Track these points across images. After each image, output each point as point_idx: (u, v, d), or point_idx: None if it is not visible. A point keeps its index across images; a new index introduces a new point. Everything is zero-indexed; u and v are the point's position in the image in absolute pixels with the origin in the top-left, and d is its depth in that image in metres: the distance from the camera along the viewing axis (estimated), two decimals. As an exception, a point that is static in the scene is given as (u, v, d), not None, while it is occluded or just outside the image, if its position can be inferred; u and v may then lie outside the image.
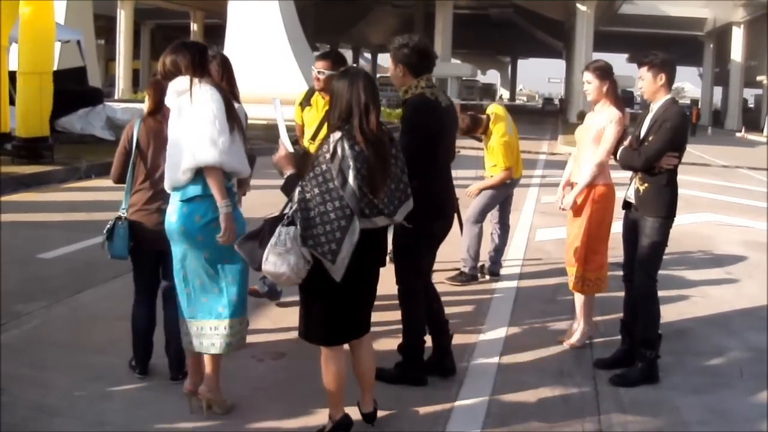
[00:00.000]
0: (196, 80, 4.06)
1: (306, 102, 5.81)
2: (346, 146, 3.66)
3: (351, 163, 3.64)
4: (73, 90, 16.67)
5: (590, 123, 5.53)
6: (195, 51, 4.20)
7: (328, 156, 3.66)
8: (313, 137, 5.64)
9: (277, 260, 3.61)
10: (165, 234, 4.35)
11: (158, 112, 4.56)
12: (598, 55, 41.33)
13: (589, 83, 5.42)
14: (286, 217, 3.68)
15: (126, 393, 4.51)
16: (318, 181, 3.65)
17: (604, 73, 5.39)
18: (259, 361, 5.09)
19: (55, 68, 14.44)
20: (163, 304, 4.72)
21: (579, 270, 5.53)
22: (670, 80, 4.98)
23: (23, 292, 6.22)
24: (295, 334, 5.44)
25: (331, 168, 3.64)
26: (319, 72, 5.45)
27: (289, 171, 3.89)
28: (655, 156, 4.85)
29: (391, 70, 4.71)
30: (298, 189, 3.71)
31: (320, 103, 5.64)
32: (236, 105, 4.99)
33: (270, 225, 3.72)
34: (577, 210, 5.49)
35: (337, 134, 3.71)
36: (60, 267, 7.04)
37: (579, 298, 5.69)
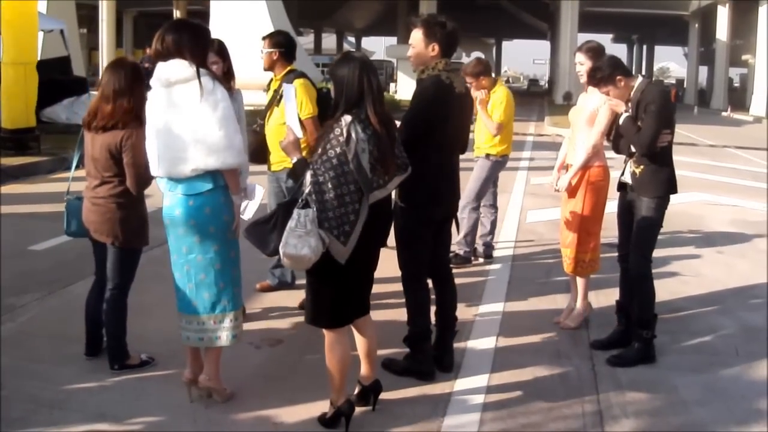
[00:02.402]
0: (203, 71, 3.97)
1: (267, 87, 5.98)
2: (359, 129, 3.70)
3: (365, 146, 3.69)
4: (57, 80, 16.47)
5: (583, 104, 5.53)
6: (201, 36, 4.10)
7: (342, 139, 3.68)
8: (262, 116, 5.80)
9: (297, 243, 3.61)
10: (89, 228, 4.52)
11: None
12: (583, 36, 41.34)
13: (582, 64, 5.41)
14: (300, 201, 3.68)
15: (125, 383, 4.49)
16: (332, 164, 3.67)
17: (597, 53, 5.37)
18: (256, 348, 5.08)
19: (38, 58, 14.28)
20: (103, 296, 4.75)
21: (574, 251, 5.54)
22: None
23: (16, 285, 6.18)
24: (291, 320, 5.51)
25: (346, 151, 3.67)
26: (261, 51, 5.74)
27: (296, 156, 3.88)
28: (652, 141, 4.82)
29: (419, 46, 4.59)
30: (309, 172, 3.72)
31: (274, 83, 5.84)
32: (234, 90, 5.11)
33: (284, 209, 3.74)
34: (572, 191, 5.49)
35: (348, 118, 3.73)
36: (51, 259, 7.00)
37: (574, 280, 5.70)
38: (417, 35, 4.60)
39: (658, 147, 4.86)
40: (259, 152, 5.65)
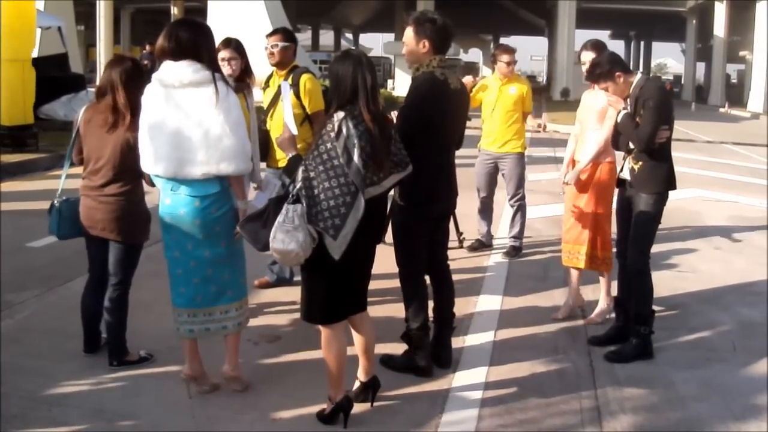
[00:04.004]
0: (218, 76, 3.99)
1: (266, 84, 5.96)
2: (351, 125, 3.69)
3: (356, 142, 3.68)
4: (55, 77, 16.46)
5: (591, 102, 5.55)
6: (211, 36, 4.10)
7: (333, 135, 3.69)
8: (266, 113, 5.79)
9: (285, 237, 3.62)
10: (94, 226, 4.50)
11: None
12: (580, 32, 41.25)
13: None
14: (291, 196, 3.69)
15: (124, 380, 4.50)
16: (322, 158, 3.69)
17: (601, 48, 5.42)
18: (255, 345, 5.09)
19: (36, 55, 14.27)
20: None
21: (588, 248, 5.57)
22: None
23: (14, 282, 6.18)
24: (289, 317, 5.51)
25: (336, 146, 3.68)
26: (273, 46, 5.68)
27: (292, 152, 3.89)
28: (650, 137, 4.82)
29: (411, 44, 4.58)
30: (301, 168, 3.74)
31: (275, 79, 5.81)
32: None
33: (275, 204, 3.75)
34: (582, 187, 5.51)
35: (341, 113, 3.73)
36: (49, 255, 6.99)
37: (569, 275, 5.73)
38: (409, 33, 4.60)
39: (657, 143, 4.86)
40: (262, 148, 5.64)
